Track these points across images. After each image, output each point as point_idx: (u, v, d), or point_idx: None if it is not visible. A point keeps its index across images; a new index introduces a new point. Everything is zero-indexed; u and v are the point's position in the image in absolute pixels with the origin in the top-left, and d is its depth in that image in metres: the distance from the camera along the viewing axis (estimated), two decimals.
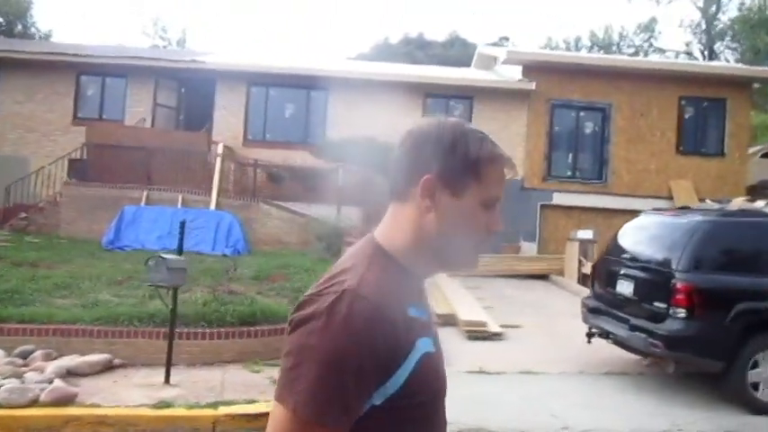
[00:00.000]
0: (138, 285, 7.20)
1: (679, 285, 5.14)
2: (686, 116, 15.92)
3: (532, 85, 15.14)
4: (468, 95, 15.68)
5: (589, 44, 24.19)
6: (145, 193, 11.84)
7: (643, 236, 6.06)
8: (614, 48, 23.52)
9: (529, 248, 15.04)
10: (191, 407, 4.65)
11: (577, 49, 24.33)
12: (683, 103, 15.78)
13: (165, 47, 30.70)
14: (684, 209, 6.79)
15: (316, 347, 0.93)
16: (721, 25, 22.35)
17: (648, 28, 22.44)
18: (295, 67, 15.49)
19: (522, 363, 6.37)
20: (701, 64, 19.65)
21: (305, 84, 15.40)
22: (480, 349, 6.98)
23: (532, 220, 15.33)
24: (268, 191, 14.11)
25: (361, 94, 15.36)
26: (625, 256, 6.13)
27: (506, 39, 31.78)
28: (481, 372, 6.05)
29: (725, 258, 5.33)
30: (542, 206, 15.40)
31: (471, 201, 1.06)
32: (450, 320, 7.95)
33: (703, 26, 21.97)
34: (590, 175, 15.84)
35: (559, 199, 15.46)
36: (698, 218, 5.50)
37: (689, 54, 23.41)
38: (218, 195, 11.65)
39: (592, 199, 15.50)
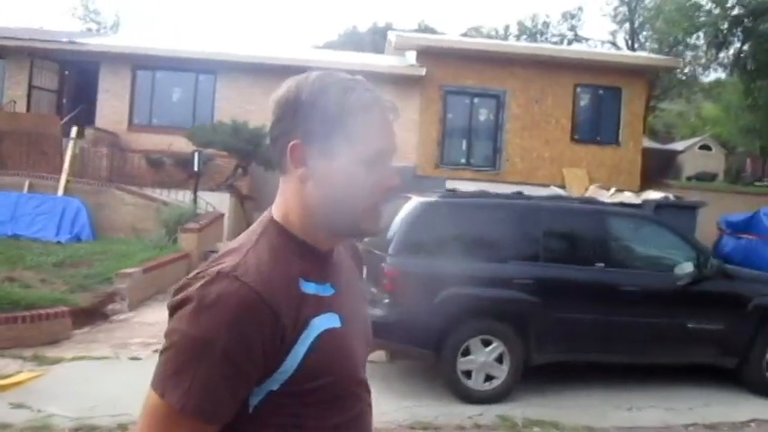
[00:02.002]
0: None
1: (386, 270, 4.91)
2: (581, 104, 15.81)
3: (422, 71, 14.88)
4: None
5: (517, 33, 24.04)
6: None
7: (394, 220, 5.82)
8: (540, 36, 23.37)
9: None
10: None
11: (506, 37, 24.16)
12: (578, 90, 15.64)
13: (97, 30, 29.96)
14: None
15: (183, 333, 0.89)
16: (646, 14, 22.32)
17: (574, 16, 22.43)
18: (181, 50, 15.05)
19: None
20: (596, 52, 19.54)
21: (193, 67, 14.97)
22: None
23: None
24: (149, 177, 13.74)
25: (251, 78, 15.01)
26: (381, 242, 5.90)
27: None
28: None
29: (438, 242, 5.09)
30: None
31: (348, 160, 0.96)
32: None
33: (626, 14, 21.94)
34: (484, 162, 15.64)
35: (452, 187, 15.25)
36: (417, 200, 5.27)
37: (613, 44, 23.38)
38: (69, 181, 11.21)
39: (485, 187, 15.24)
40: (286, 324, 0.91)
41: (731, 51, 14.12)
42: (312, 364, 0.93)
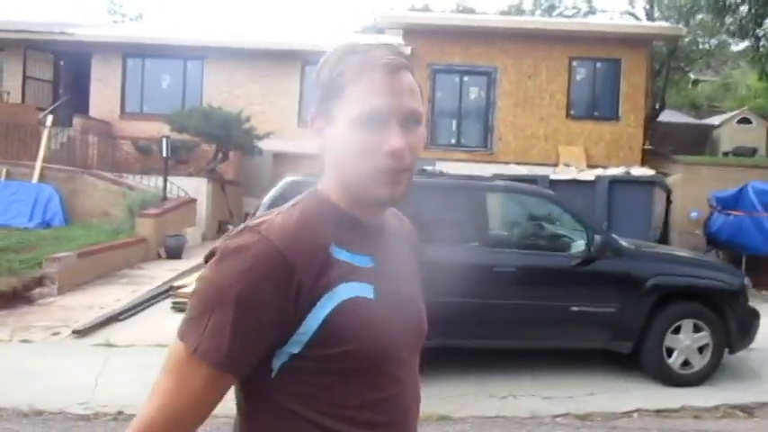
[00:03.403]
0: None
1: None
2: (577, 78, 15.10)
3: (407, 50, 14.49)
4: None
5: (532, 8, 23.15)
6: None
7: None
8: (552, 11, 22.43)
9: None
10: None
11: (520, 12, 23.30)
12: (573, 64, 14.95)
13: (120, 22, 30.60)
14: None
15: (204, 278, 0.92)
16: None
17: None
18: (168, 38, 15.15)
19: None
20: (592, 23, 18.51)
21: (181, 54, 15.08)
22: None
23: None
24: (138, 164, 13.97)
25: (238, 63, 15.01)
26: None
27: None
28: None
29: None
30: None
31: (344, 123, 0.96)
32: None
33: None
34: (475, 142, 15.18)
35: (443, 168, 14.88)
36: (286, 178, 5.05)
37: (632, 15, 22.22)
38: (44, 168, 11.48)
39: (478, 167, 14.82)
40: (303, 281, 0.90)
41: (737, 17, 13.11)
42: (335, 329, 0.91)
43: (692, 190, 13.06)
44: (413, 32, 14.77)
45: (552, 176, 8.72)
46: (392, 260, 1.05)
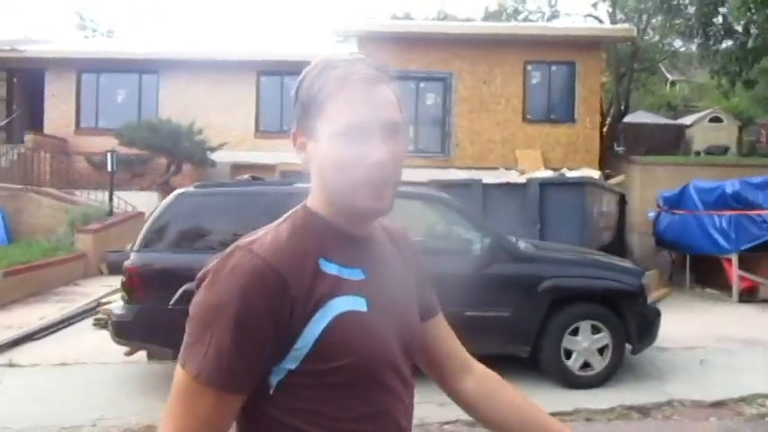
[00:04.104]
0: None
1: (126, 266, 4.69)
2: (533, 82, 15.14)
3: (361, 58, 14.50)
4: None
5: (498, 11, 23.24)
6: None
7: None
8: (520, 16, 22.53)
9: None
10: None
11: (487, 18, 23.39)
12: (528, 68, 15.00)
13: (91, 37, 30.51)
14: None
15: (199, 302, 0.92)
16: None
17: None
18: (122, 51, 15.15)
19: None
20: (547, 26, 18.60)
21: (136, 68, 15.03)
22: None
23: None
24: (93, 179, 13.88)
25: (193, 75, 14.97)
26: None
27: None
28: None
29: (182, 234, 4.80)
30: None
31: (326, 139, 0.97)
32: None
33: None
34: (433, 148, 15.15)
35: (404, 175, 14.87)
36: (177, 191, 5.00)
37: (595, 17, 22.32)
38: None
39: (435, 173, 14.81)
40: (296, 295, 0.91)
41: (686, 17, 13.19)
42: (329, 344, 0.93)
43: (651, 190, 13.08)
44: (368, 40, 14.80)
45: (485, 181, 8.69)
46: (383, 271, 1.06)
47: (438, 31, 15.20)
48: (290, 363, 0.93)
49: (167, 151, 12.24)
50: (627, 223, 13.40)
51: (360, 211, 0.99)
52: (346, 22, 15.08)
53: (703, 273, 10.07)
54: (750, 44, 11.35)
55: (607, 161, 15.52)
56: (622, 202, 11.83)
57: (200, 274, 0.95)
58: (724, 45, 12.57)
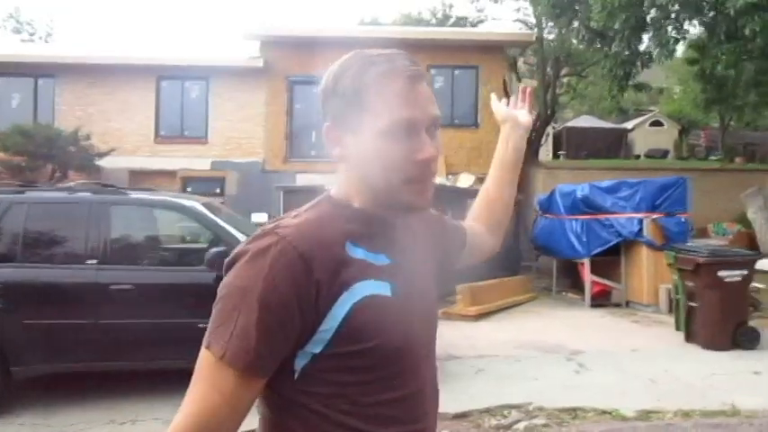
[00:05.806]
0: None
1: None
2: (436, 86, 15.05)
3: (260, 62, 14.37)
4: (203, 76, 14.88)
5: (429, 17, 23.17)
6: None
7: None
8: (448, 21, 22.49)
9: None
10: None
11: (444, 21, 23.23)
12: (432, 72, 14.92)
13: (28, 41, 29.97)
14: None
15: (227, 284, 0.94)
16: None
17: None
18: (16, 54, 14.82)
19: None
20: (450, 30, 18.63)
21: (31, 72, 14.67)
22: None
23: (276, 205, 14.57)
24: None
25: (91, 80, 14.66)
26: None
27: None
28: None
29: None
30: (285, 190, 14.64)
31: (370, 134, 0.97)
32: None
33: None
34: None
35: (304, 181, 14.67)
36: None
37: (523, 22, 22.41)
38: None
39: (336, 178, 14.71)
40: (321, 279, 0.92)
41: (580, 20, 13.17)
42: (354, 327, 0.93)
43: None
44: (270, 44, 14.64)
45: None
46: (409, 256, 1.07)
47: (340, 35, 15.04)
48: (316, 346, 0.93)
49: (43, 157, 11.92)
50: (523, 227, 13.38)
51: (403, 205, 1.01)
52: (249, 26, 14.90)
53: (569, 277, 10.03)
54: (613, 48, 11.37)
55: None
56: (516, 205, 11.80)
57: (228, 258, 0.96)
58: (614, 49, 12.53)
